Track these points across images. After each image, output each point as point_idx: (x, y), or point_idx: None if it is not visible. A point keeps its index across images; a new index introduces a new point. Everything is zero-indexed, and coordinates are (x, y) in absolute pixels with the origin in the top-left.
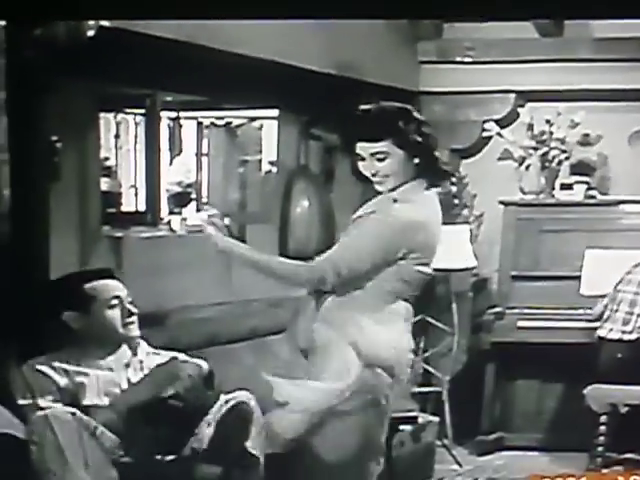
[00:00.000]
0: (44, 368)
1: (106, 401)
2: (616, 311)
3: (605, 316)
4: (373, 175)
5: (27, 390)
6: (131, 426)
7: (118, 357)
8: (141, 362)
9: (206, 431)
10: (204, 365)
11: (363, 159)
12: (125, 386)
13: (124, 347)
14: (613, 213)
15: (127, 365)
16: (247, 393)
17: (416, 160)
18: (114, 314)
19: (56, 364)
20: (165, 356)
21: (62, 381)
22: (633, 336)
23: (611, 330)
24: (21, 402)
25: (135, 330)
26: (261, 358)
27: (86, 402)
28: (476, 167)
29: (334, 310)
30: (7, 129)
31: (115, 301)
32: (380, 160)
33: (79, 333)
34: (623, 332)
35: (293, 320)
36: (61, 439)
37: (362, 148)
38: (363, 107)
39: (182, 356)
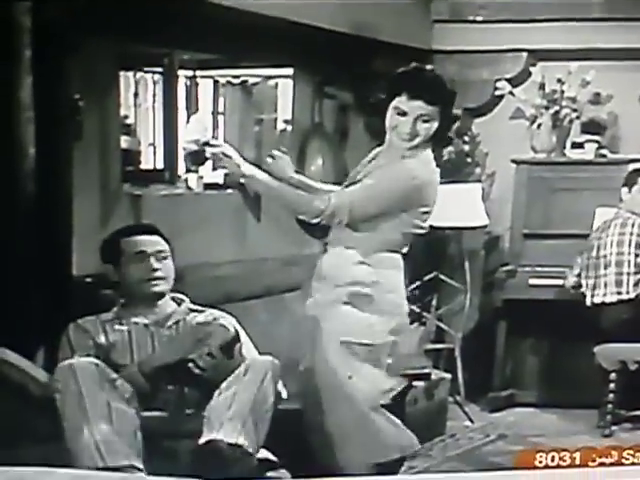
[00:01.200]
0: (88, 325)
1: (134, 359)
2: (604, 275)
3: (589, 284)
4: (403, 133)
5: (68, 348)
6: (152, 383)
7: (155, 315)
8: (177, 322)
9: (218, 399)
10: (231, 330)
11: (404, 114)
12: (156, 345)
13: (161, 304)
14: (623, 172)
15: (162, 324)
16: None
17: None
18: (137, 269)
19: (100, 321)
20: (207, 315)
21: (100, 338)
22: (632, 295)
23: (605, 295)
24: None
25: (159, 286)
26: (277, 315)
27: (115, 360)
28: (488, 126)
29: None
30: (32, 87)
31: (139, 256)
32: (424, 122)
33: (116, 288)
34: (619, 293)
35: (307, 278)
36: (83, 388)
37: (414, 106)
38: (424, 67)
39: (219, 314)
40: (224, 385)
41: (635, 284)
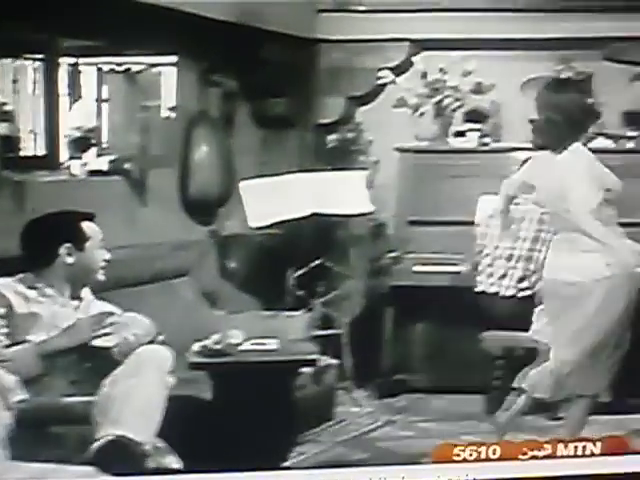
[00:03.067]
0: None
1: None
2: (509, 268)
3: (486, 270)
4: None
5: None
6: (47, 365)
7: (69, 298)
8: (87, 307)
9: (114, 389)
10: (147, 322)
11: None
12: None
13: None
14: (506, 160)
15: (76, 307)
16: None
17: None
18: (100, 255)
19: (19, 287)
20: (107, 307)
21: (20, 307)
22: (532, 291)
23: (503, 287)
24: None
25: (103, 275)
26: (166, 300)
27: (35, 333)
28: (372, 114)
29: None
30: None
31: (102, 243)
32: None
33: (63, 268)
34: (521, 289)
35: (196, 263)
36: None
37: None
38: None
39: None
40: (118, 373)
41: (536, 280)
